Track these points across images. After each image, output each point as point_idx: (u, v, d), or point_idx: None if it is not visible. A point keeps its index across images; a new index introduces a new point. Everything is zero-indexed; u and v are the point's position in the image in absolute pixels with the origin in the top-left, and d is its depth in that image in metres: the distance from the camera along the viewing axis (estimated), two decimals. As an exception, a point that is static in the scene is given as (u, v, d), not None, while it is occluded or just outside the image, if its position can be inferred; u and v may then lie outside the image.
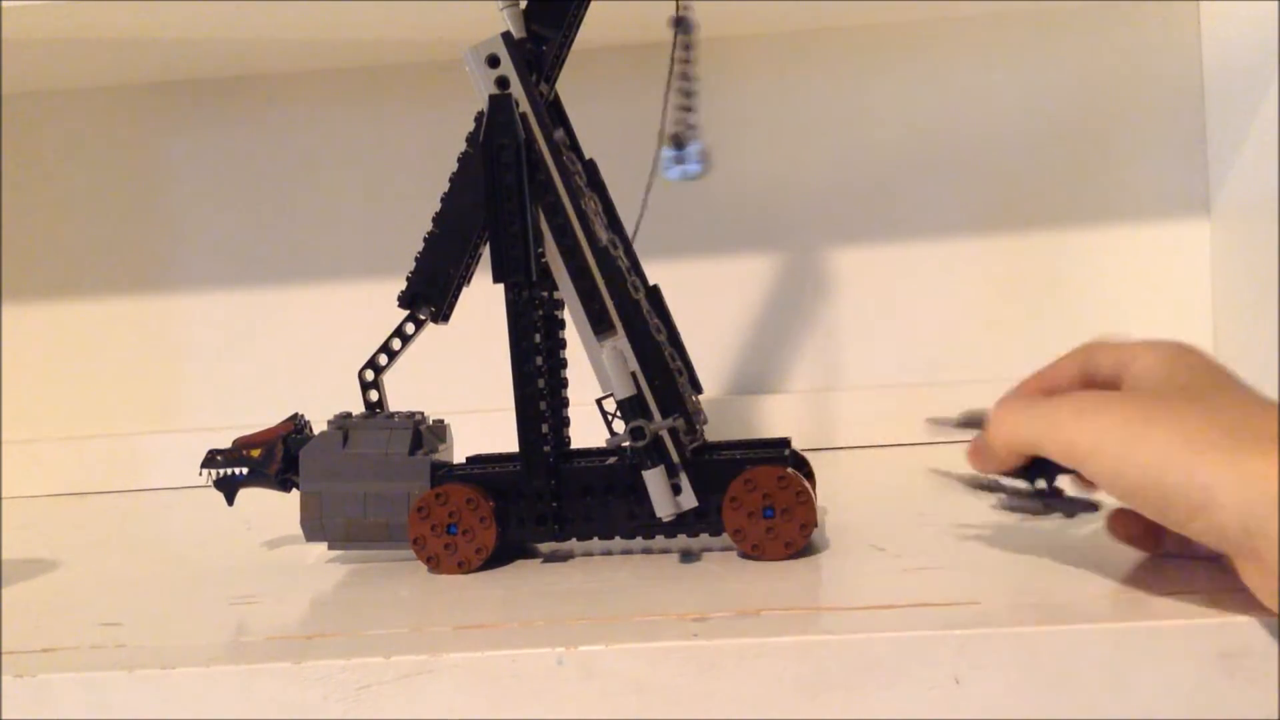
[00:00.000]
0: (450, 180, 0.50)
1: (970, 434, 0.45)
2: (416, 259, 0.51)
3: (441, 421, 0.54)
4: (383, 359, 0.53)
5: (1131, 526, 0.44)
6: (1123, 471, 0.38)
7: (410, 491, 0.50)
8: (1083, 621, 0.37)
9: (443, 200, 0.50)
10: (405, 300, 0.51)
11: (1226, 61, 0.77)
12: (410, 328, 0.52)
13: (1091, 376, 0.44)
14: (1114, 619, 0.37)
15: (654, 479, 0.47)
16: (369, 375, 0.53)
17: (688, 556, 0.50)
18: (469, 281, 0.51)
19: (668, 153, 0.46)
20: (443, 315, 0.51)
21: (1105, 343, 0.45)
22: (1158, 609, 0.38)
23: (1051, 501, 0.44)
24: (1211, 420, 0.37)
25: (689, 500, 0.48)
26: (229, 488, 0.53)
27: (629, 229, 0.53)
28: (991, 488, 0.45)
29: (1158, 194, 0.81)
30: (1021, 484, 0.44)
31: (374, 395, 0.53)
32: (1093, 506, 0.44)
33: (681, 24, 0.45)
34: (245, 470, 0.53)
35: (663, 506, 0.48)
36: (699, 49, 0.46)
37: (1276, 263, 0.70)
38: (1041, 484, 0.44)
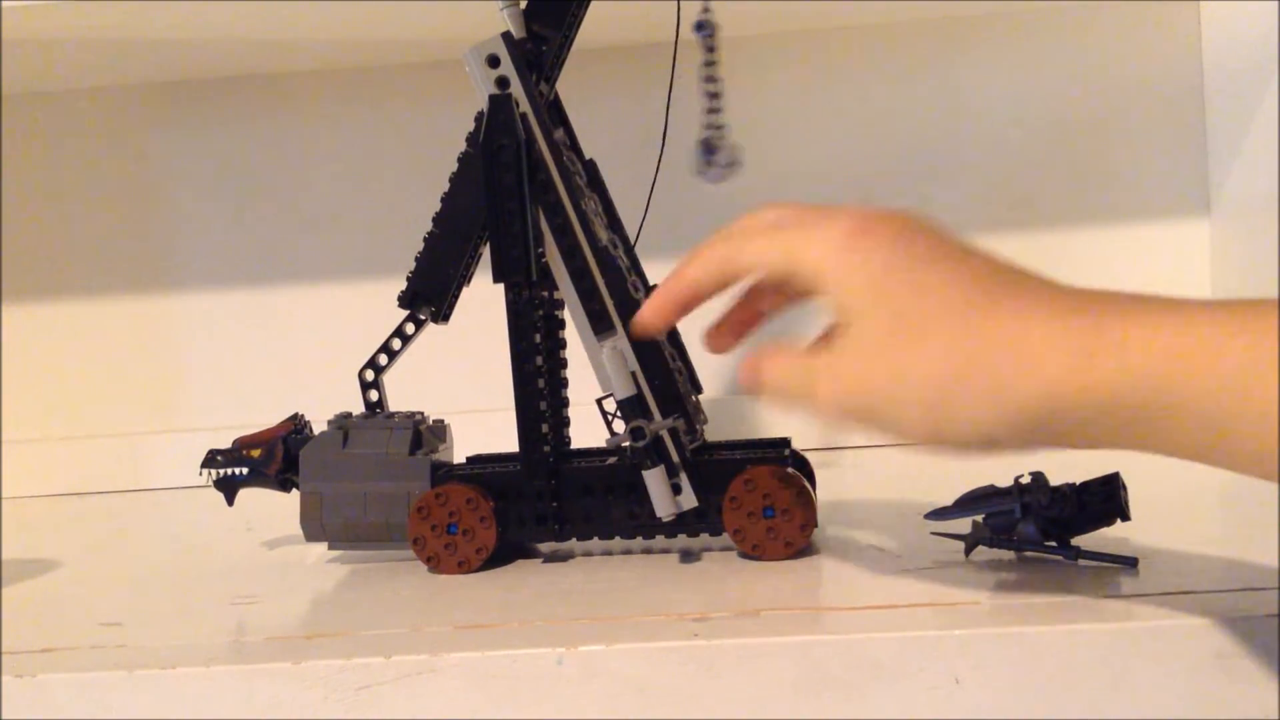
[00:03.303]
0: (450, 180, 0.50)
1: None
2: (416, 259, 0.51)
3: (441, 421, 0.54)
4: (383, 359, 0.53)
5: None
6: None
7: (410, 491, 0.50)
8: (1083, 621, 0.37)
9: (443, 200, 0.50)
10: (405, 300, 0.51)
11: (1226, 61, 0.77)
12: (410, 328, 0.52)
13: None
14: (1114, 619, 0.37)
15: (654, 479, 0.47)
16: (369, 375, 0.53)
17: (688, 556, 0.50)
18: (469, 281, 0.51)
19: (700, 156, 0.46)
20: (443, 315, 0.51)
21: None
22: (1157, 609, 0.37)
23: (1083, 555, 0.43)
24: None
25: (689, 500, 0.48)
26: (229, 488, 0.53)
27: (631, 230, 0.53)
28: (1000, 545, 0.45)
29: (1158, 194, 0.81)
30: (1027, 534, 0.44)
31: (374, 395, 0.53)
32: (1130, 562, 0.43)
33: (703, 27, 0.46)
34: (245, 470, 0.53)
35: (663, 506, 0.48)
36: (721, 50, 0.46)
37: (1276, 263, 0.70)
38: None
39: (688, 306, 0.42)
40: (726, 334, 0.45)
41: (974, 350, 0.33)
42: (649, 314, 0.43)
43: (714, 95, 0.46)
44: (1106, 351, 0.31)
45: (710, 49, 0.46)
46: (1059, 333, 0.32)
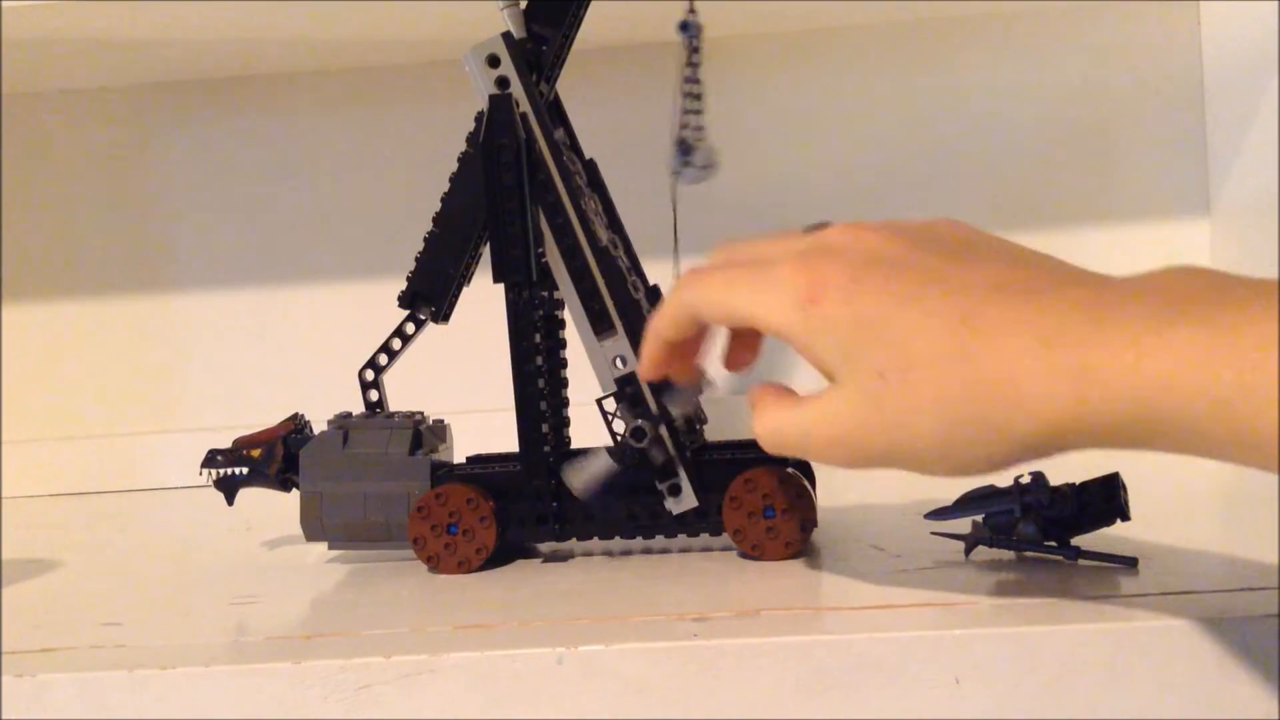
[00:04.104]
0: (450, 180, 0.50)
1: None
2: (416, 259, 0.51)
3: (441, 421, 0.54)
4: (383, 359, 0.53)
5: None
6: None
7: (410, 491, 0.50)
8: (1083, 621, 0.37)
9: (443, 200, 0.50)
10: (405, 300, 0.51)
11: (1226, 61, 0.77)
12: (410, 327, 0.52)
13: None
14: (1114, 619, 0.37)
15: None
16: (369, 375, 0.53)
17: (687, 556, 0.50)
18: (469, 281, 0.51)
19: (677, 156, 0.46)
20: (443, 315, 0.51)
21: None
22: (1157, 609, 0.37)
23: (1083, 555, 0.43)
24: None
25: (689, 500, 0.48)
26: (229, 488, 0.53)
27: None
28: (1000, 545, 0.45)
29: (1158, 194, 0.81)
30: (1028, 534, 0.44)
31: (374, 395, 0.53)
32: (1130, 562, 0.43)
33: (687, 28, 0.46)
34: (245, 470, 0.53)
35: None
36: (704, 52, 0.46)
37: (1277, 263, 0.70)
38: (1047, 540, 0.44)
39: (670, 359, 0.43)
40: (734, 359, 0.45)
41: (965, 401, 0.33)
42: (644, 373, 0.44)
43: (696, 96, 0.46)
44: (1093, 391, 0.30)
45: (695, 49, 0.46)
46: (1045, 370, 0.31)
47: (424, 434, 0.52)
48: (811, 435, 0.37)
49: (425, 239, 0.51)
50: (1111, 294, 0.32)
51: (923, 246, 0.37)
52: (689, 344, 0.43)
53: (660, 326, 0.42)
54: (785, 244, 0.39)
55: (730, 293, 0.38)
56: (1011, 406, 0.32)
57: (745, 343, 0.44)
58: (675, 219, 0.52)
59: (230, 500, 0.54)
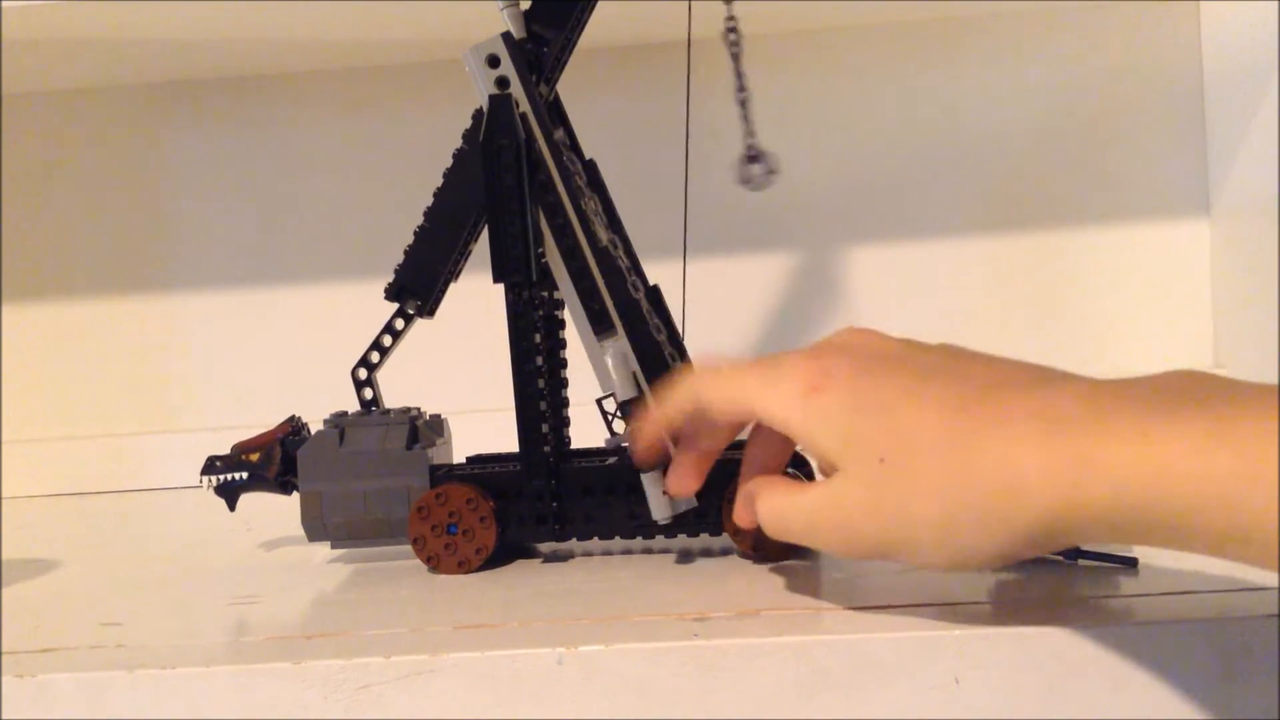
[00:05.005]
0: (444, 175, 0.50)
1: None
2: (405, 251, 0.51)
3: (438, 416, 0.54)
4: (375, 356, 0.53)
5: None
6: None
7: (409, 486, 0.50)
8: (1083, 621, 0.37)
9: (435, 195, 0.50)
10: (391, 292, 0.51)
11: (1226, 61, 0.77)
12: (400, 322, 0.52)
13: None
14: (1114, 619, 0.37)
15: (651, 481, 0.47)
16: (362, 374, 0.53)
17: (687, 556, 0.50)
18: (457, 277, 0.51)
19: (746, 165, 0.47)
20: (428, 309, 0.51)
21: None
22: (1157, 609, 0.37)
23: (1083, 556, 0.43)
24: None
25: (689, 500, 0.48)
26: (230, 493, 0.53)
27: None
28: None
29: (1158, 194, 0.81)
30: None
31: (368, 393, 0.53)
32: (1130, 562, 0.43)
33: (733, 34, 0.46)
34: (245, 475, 0.53)
35: (659, 509, 0.47)
36: (741, 57, 0.47)
37: (1276, 263, 0.70)
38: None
39: (664, 449, 0.44)
40: (689, 478, 0.45)
41: (965, 487, 0.33)
42: (638, 458, 0.46)
43: (742, 103, 0.47)
44: (1094, 477, 0.31)
45: (734, 55, 0.47)
46: (1045, 460, 0.32)
47: (420, 428, 0.52)
48: (815, 522, 0.38)
49: (415, 232, 0.51)
50: (1111, 388, 0.33)
51: (928, 351, 0.38)
52: (703, 458, 0.45)
53: (663, 411, 0.43)
54: (797, 350, 0.40)
55: (737, 384, 0.39)
56: (1010, 493, 0.32)
57: (694, 467, 0.45)
58: (685, 221, 0.52)
59: (232, 506, 0.54)
